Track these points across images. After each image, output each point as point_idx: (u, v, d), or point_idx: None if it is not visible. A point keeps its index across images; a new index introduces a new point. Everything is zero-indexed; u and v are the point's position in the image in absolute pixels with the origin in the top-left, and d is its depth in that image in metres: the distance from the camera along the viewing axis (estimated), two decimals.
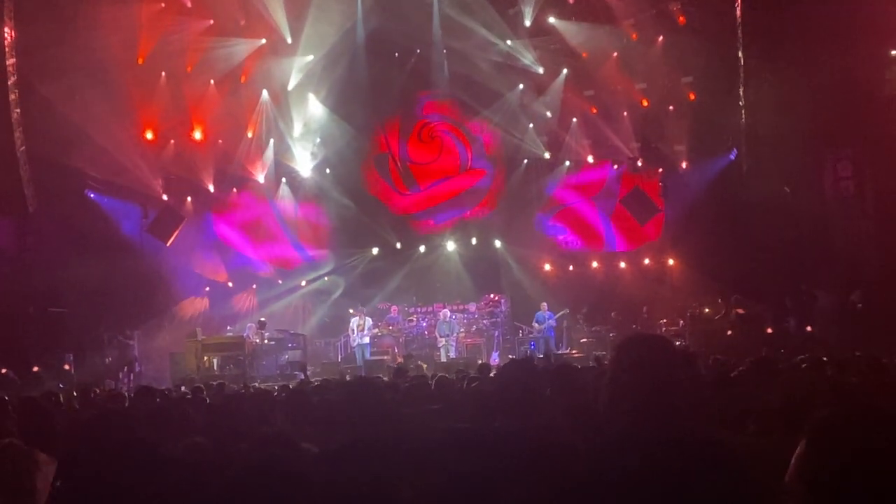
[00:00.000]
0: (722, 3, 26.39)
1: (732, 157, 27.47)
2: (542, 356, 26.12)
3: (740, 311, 25.83)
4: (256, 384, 20.83)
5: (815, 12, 23.93)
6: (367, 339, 27.50)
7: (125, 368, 25.97)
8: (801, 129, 24.92)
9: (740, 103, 26.52)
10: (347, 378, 17.00)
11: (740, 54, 26.21)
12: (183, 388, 16.32)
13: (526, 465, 4.40)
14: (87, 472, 5.22)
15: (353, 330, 27.75)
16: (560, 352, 26.89)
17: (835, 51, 23.57)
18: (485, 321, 29.99)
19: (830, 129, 25.03)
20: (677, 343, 25.30)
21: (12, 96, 24.56)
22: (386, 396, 8.55)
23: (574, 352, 26.75)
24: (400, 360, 26.35)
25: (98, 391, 16.29)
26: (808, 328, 24.37)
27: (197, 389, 13.86)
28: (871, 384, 8.76)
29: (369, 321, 27.80)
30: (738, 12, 26.04)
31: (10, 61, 24.43)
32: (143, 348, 27.23)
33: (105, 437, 5.44)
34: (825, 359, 12.46)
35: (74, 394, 15.49)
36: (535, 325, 28.01)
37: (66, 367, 24.39)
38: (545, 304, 28.08)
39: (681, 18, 27.59)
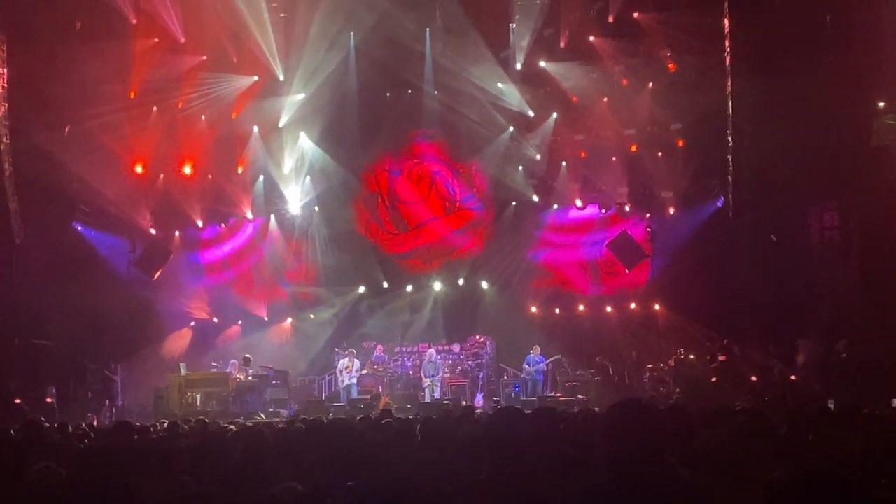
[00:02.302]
0: (712, 51, 26.60)
1: (720, 204, 27.60)
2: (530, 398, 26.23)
3: (722, 358, 25.88)
4: (240, 420, 20.74)
5: (804, 64, 24.17)
6: (354, 380, 27.47)
7: (107, 402, 25.86)
8: (789, 178, 25.12)
9: (728, 151, 26.68)
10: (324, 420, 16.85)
11: (729, 102, 26.40)
12: (165, 424, 16.23)
13: None
14: None
15: (340, 371, 27.71)
16: (545, 395, 26.85)
17: (823, 101, 23.77)
18: (470, 362, 29.89)
19: (817, 179, 25.21)
20: (661, 389, 25.50)
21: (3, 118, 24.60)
22: (366, 439, 8.57)
23: (559, 395, 26.67)
24: (386, 399, 26.34)
25: (83, 425, 16.20)
26: (792, 377, 24.40)
27: (173, 425, 13.74)
28: (840, 438, 8.78)
29: (357, 363, 27.78)
30: (728, 61, 26.26)
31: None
32: (127, 382, 27.13)
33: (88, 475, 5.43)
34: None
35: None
36: (526, 367, 27.92)
37: (49, 400, 24.27)
38: (538, 347, 28.04)
39: (671, 66, 27.80)
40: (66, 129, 26.24)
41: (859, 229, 25.24)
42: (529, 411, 9.84)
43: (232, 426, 14.56)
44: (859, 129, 24.38)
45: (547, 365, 27.93)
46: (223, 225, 30.59)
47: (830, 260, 25.76)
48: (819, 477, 2.91)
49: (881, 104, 24.50)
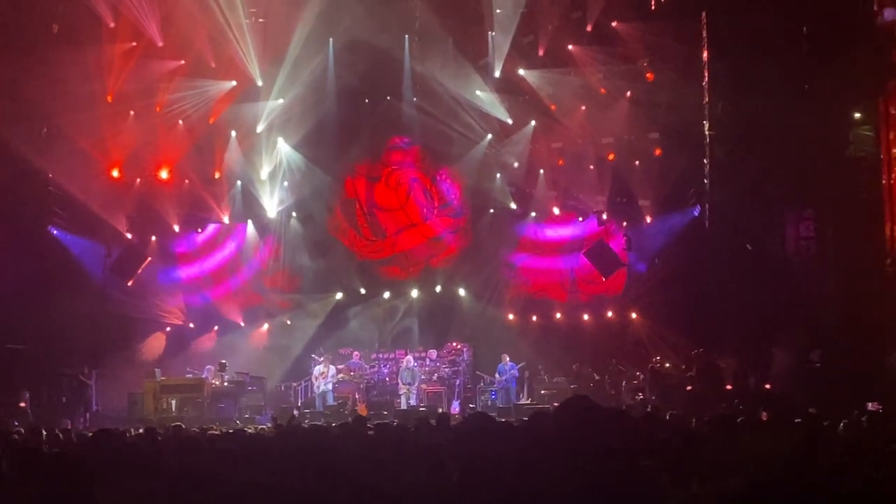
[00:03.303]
0: (690, 61, 26.72)
1: (696, 213, 27.68)
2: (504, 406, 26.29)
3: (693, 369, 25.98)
4: (215, 426, 20.65)
5: (781, 73, 24.30)
6: (329, 386, 27.42)
7: (81, 408, 25.68)
8: (765, 188, 25.24)
9: (705, 160, 26.79)
10: (298, 424, 16.77)
11: (706, 112, 26.52)
12: (140, 430, 16.13)
13: None
14: None
15: (316, 377, 27.67)
16: (521, 402, 26.90)
17: (799, 112, 23.90)
18: (446, 369, 29.83)
19: (794, 189, 25.34)
20: (637, 396, 25.56)
21: None
22: (338, 445, 8.55)
23: (534, 402, 26.70)
24: (361, 406, 26.32)
25: (57, 431, 16.07)
26: (767, 385, 24.49)
27: (151, 431, 13.66)
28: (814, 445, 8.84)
29: (332, 369, 27.74)
30: (706, 72, 26.39)
31: None
32: (101, 388, 26.95)
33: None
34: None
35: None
36: (497, 376, 27.98)
37: (22, 404, 24.09)
38: (506, 355, 28.07)
39: (649, 75, 27.88)
40: (43, 133, 26.11)
41: (835, 239, 25.38)
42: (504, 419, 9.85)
43: (210, 432, 14.51)
44: (835, 140, 24.53)
45: (520, 371, 27.97)
46: (200, 230, 30.41)
47: (806, 269, 25.87)
48: (774, 483, 2.94)
49: (857, 115, 24.66)
